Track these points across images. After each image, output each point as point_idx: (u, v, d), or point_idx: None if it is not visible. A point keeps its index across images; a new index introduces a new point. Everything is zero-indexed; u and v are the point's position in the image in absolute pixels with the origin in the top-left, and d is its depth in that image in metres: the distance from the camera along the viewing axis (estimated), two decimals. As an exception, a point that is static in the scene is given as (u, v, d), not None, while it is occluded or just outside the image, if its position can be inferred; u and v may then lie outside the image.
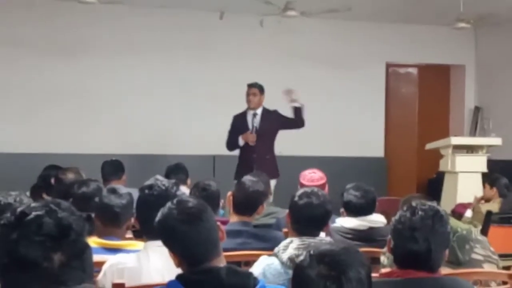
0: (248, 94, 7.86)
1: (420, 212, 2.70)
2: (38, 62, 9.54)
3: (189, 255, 2.52)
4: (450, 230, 2.82)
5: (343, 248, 2.07)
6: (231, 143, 7.94)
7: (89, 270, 1.51)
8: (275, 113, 7.90)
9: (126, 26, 9.86)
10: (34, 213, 1.48)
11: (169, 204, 2.62)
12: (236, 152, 7.96)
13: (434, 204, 2.82)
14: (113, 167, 6.29)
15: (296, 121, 7.85)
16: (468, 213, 7.02)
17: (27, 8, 9.45)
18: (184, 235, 2.52)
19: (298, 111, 7.80)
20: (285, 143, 9.82)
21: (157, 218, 2.61)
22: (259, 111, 7.86)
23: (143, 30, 9.93)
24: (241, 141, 7.79)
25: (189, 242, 2.51)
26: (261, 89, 7.87)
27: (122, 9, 9.39)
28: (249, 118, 7.86)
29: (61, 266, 1.44)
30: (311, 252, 2.06)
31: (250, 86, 7.89)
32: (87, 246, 1.52)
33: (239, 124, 7.88)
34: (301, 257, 2.09)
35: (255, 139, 7.74)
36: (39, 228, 1.46)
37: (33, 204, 1.53)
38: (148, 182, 3.31)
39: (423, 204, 2.76)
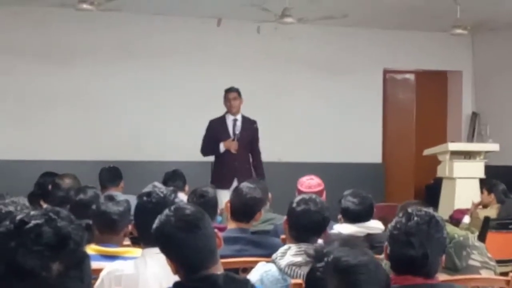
0: (228, 99, 7.59)
1: (415, 218, 2.71)
2: (33, 69, 9.52)
3: (187, 262, 2.52)
4: (447, 235, 2.83)
5: (363, 264, 1.95)
6: (209, 149, 7.66)
7: (87, 279, 1.51)
8: (255, 125, 7.71)
9: (122, 33, 9.84)
10: (33, 222, 1.48)
11: (166, 211, 2.62)
12: (211, 158, 7.79)
13: (430, 210, 2.83)
14: (110, 174, 6.30)
15: (257, 163, 7.67)
16: (466, 219, 7.03)
17: (22, 14, 9.42)
18: (181, 242, 2.52)
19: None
20: (283, 150, 9.86)
21: (154, 225, 2.61)
22: (239, 117, 7.61)
23: (140, 37, 9.92)
24: (222, 148, 7.50)
25: (186, 249, 2.51)
26: (239, 92, 7.62)
27: (119, 16, 9.35)
28: (229, 124, 7.59)
29: (59, 276, 1.44)
30: (329, 258, 1.95)
31: (229, 90, 7.63)
32: (85, 256, 1.52)
33: (218, 129, 7.58)
34: (318, 258, 1.97)
35: (237, 146, 7.48)
36: (38, 237, 1.45)
37: (32, 212, 1.52)
38: (146, 189, 3.31)
39: (419, 210, 2.77)
